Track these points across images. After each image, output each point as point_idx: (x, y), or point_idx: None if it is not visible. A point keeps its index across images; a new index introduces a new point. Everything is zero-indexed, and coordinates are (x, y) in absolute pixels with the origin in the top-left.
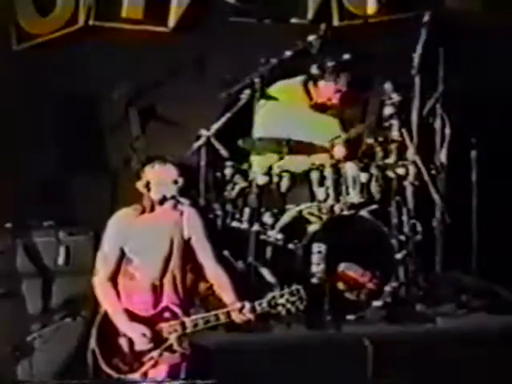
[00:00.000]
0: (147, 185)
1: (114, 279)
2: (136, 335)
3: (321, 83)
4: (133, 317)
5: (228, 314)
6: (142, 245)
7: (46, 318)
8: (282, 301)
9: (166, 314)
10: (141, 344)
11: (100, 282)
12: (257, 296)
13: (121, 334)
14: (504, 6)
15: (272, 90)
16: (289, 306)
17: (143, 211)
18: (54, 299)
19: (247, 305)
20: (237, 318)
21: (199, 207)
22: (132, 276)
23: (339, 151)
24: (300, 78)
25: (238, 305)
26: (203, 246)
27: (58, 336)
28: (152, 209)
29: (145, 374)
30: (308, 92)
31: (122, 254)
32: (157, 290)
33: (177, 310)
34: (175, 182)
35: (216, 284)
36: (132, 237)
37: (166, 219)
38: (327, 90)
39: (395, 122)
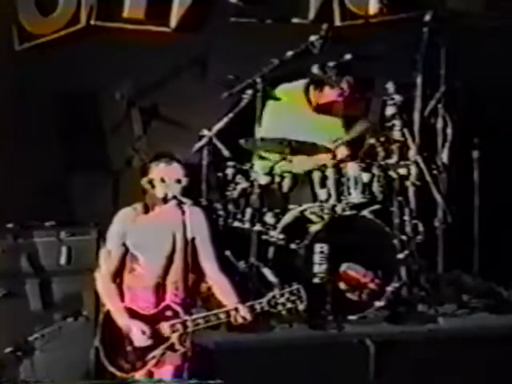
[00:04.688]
0: (151, 182)
1: (118, 277)
2: (135, 331)
3: (325, 89)
4: (134, 315)
5: (228, 313)
6: (145, 242)
7: (48, 317)
8: (282, 300)
9: (168, 313)
10: (139, 340)
11: (102, 277)
12: (258, 296)
13: (124, 333)
14: (504, 6)
15: (275, 92)
16: (289, 305)
17: (146, 209)
18: (56, 299)
19: (247, 304)
20: (236, 318)
21: (202, 207)
22: (137, 274)
23: (341, 151)
24: (302, 82)
25: (238, 304)
26: (206, 247)
27: (60, 336)
28: (155, 207)
29: (149, 374)
30: (308, 98)
31: (126, 251)
32: (160, 289)
33: (178, 308)
34: (179, 181)
35: (216, 287)
36: (135, 234)
37: (169, 217)
38: (331, 95)
39: (397, 122)
